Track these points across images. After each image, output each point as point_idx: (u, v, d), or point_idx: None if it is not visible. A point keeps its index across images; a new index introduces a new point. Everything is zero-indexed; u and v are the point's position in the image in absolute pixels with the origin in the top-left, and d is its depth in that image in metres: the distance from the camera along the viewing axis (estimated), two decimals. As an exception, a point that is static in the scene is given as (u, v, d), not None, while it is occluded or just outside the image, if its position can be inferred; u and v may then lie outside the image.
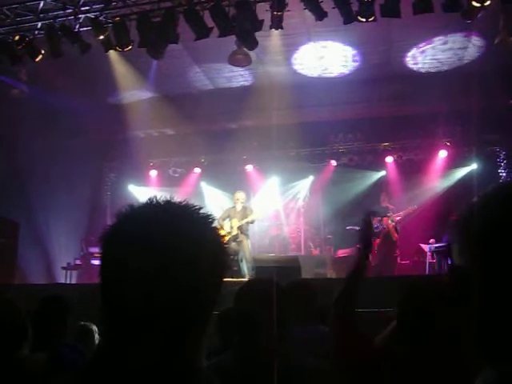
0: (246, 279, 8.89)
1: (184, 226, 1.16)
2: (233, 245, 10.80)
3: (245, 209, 11.36)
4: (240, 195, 11.49)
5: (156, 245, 1.12)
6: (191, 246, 1.14)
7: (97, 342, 4.88)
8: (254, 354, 2.40)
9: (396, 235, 12.86)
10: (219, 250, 1.21)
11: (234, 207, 11.44)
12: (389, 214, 13.11)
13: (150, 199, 1.21)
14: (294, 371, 2.36)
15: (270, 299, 2.41)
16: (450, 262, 11.00)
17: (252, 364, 2.36)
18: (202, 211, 1.22)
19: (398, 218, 13.38)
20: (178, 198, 1.24)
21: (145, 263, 1.10)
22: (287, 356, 2.42)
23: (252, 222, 11.49)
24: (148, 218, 1.17)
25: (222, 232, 10.73)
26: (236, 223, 11.03)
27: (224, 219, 11.22)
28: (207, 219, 1.22)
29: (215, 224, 1.25)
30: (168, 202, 1.21)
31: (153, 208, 1.20)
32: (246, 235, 11.26)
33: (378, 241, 13.21)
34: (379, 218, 13.37)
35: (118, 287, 1.13)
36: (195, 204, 1.24)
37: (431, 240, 12.44)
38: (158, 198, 1.21)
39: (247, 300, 2.51)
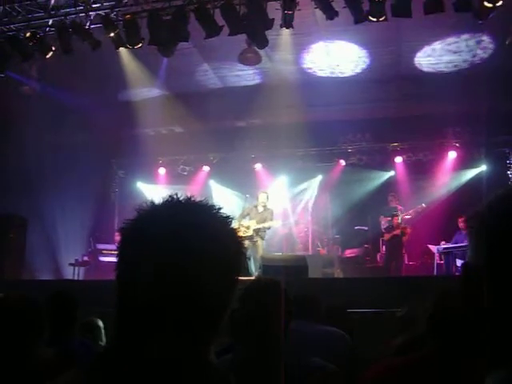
0: (253, 278, 8.89)
1: (203, 226, 1.17)
2: (246, 243, 10.86)
3: (266, 211, 11.43)
4: (264, 197, 11.59)
5: (175, 244, 1.12)
6: (209, 245, 1.15)
7: (104, 337, 4.90)
8: (260, 353, 2.40)
9: (406, 237, 12.86)
10: (236, 251, 1.21)
11: (255, 207, 11.51)
12: (399, 212, 13.12)
13: (170, 196, 1.21)
14: (300, 371, 2.36)
15: (275, 299, 2.42)
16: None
17: (258, 363, 2.36)
18: (221, 211, 1.23)
19: (407, 217, 13.36)
20: (197, 197, 1.24)
21: (161, 261, 1.11)
22: (293, 355, 2.43)
23: (269, 228, 11.59)
24: (168, 217, 1.17)
25: (240, 233, 10.79)
26: (253, 225, 11.10)
27: (244, 217, 11.29)
28: (226, 219, 1.23)
29: (234, 224, 1.27)
30: (188, 201, 1.21)
31: (173, 206, 1.20)
32: (262, 237, 11.37)
33: (387, 237, 13.18)
34: (389, 218, 13.36)
35: (133, 283, 1.14)
36: (215, 204, 1.25)
37: (442, 242, 12.39)
38: (178, 195, 1.21)
39: (252, 299, 2.51)
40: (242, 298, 2.51)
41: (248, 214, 11.29)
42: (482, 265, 0.94)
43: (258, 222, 11.18)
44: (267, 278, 2.67)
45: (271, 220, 11.41)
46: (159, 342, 1.11)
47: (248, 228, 11.02)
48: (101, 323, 5.10)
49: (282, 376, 2.16)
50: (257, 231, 11.13)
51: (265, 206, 11.50)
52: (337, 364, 2.73)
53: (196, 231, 1.15)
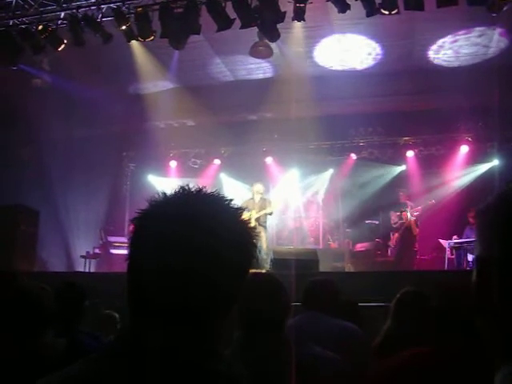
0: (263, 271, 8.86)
1: (215, 217, 1.17)
2: None
3: (263, 200, 11.34)
4: (258, 187, 11.48)
5: (186, 235, 1.13)
6: (221, 236, 1.15)
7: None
8: (258, 347, 2.39)
9: (417, 230, 12.84)
10: (248, 241, 1.22)
11: (252, 199, 11.42)
12: (407, 209, 13.08)
13: (182, 187, 1.22)
14: (302, 361, 2.36)
15: (272, 293, 2.41)
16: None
17: (256, 356, 2.35)
18: (232, 203, 1.23)
19: (416, 213, 13.32)
20: (208, 189, 1.24)
21: (173, 251, 1.12)
22: (300, 348, 2.42)
23: (270, 214, 11.46)
24: (180, 207, 1.18)
25: None
26: (254, 215, 11.01)
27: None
28: (238, 211, 1.23)
29: (245, 215, 1.26)
30: (200, 192, 1.22)
31: (185, 197, 1.20)
32: (264, 227, 11.25)
33: (397, 235, 13.22)
34: (398, 213, 13.34)
35: (145, 273, 1.14)
36: (226, 196, 1.25)
37: (454, 237, 12.36)
38: (189, 187, 1.22)
39: (250, 295, 2.49)
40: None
41: (246, 207, 11.18)
42: (497, 257, 0.93)
43: (257, 212, 11.11)
44: (264, 272, 2.66)
45: (270, 206, 11.33)
46: (168, 332, 1.11)
47: (249, 220, 10.88)
48: (117, 316, 5.14)
49: (291, 370, 2.16)
50: (258, 220, 11.05)
51: (261, 196, 11.43)
52: (351, 360, 2.72)
53: (207, 222, 1.15)
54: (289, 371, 2.15)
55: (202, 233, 1.13)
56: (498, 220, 0.95)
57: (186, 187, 1.22)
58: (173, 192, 1.22)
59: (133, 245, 1.19)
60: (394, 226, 13.55)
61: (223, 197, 1.24)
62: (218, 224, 1.16)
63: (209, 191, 1.23)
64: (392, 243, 13.67)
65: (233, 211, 1.22)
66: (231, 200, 1.24)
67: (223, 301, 1.17)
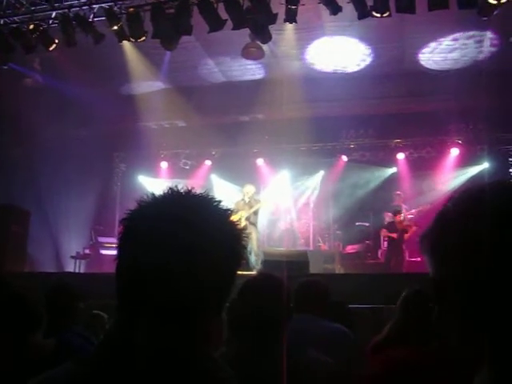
0: (253, 271, 8.88)
1: (203, 218, 1.18)
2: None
3: (253, 200, 11.38)
4: (249, 188, 11.51)
5: (174, 235, 1.13)
6: (209, 238, 1.15)
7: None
8: (254, 349, 2.39)
9: (408, 234, 12.84)
10: (236, 243, 1.22)
11: (242, 200, 11.45)
12: (402, 212, 13.07)
13: (171, 188, 1.22)
14: (296, 363, 2.36)
15: (274, 295, 2.42)
16: None
17: (251, 358, 2.35)
18: (221, 204, 1.24)
19: (410, 217, 13.32)
20: (197, 189, 1.25)
21: (160, 252, 1.12)
22: (292, 350, 2.43)
23: (258, 210, 11.48)
24: (168, 208, 1.19)
25: None
26: (244, 214, 11.02)
27: (236, 213, 11.24)
28: (226, 212, 1.24)
29: (233, 217, 1.27)
30: (188, 193, 1.22)
31: (174, 198, 1.21)
32: (255, 227, 11.27)
33: (385, 230, 13.21)
34: (390, 215, 13.35)
35: (133, 273, 1.15)
36: (215, 197, 1.25)
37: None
38: (178, 188, 1.22)
39: (251, 295, 2.50)
40: (242, 294, 2.51)
41: (237, 209, 11.21)
42: (454, 279, 0.93)
43: (247, 212, 11.13)
44: (267, 273, 2.66)
45: (258, 203, 11.36)
46: (156, 331, 1.12)
47: (239, 220, 10.92)
48: (106, 316, 5.14)
49: (282, 373, 2.16)
50: (248, 219, 11.06)
51: (251, 197, 11.45)
52: (340, 361, 2.72)
53: (195, 222, 1.16)
54: (281, 372, 2.15)
55: (190, 233, 1.13)
56: (454, 242, 0.94)
57: (175, 188, 1.22)
58: (162, 193, 1.22)
59: (121, 245, 1.20)
60: (386, 227, 13.57)
61: (212, 198, 1.24)
62: (207, 224, 1.17)
63: (198, 192, 1.24)
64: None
65: (221, 212, 1.23)
66: (220, 201, 1.24)
67: (211, 300, 1.17)
